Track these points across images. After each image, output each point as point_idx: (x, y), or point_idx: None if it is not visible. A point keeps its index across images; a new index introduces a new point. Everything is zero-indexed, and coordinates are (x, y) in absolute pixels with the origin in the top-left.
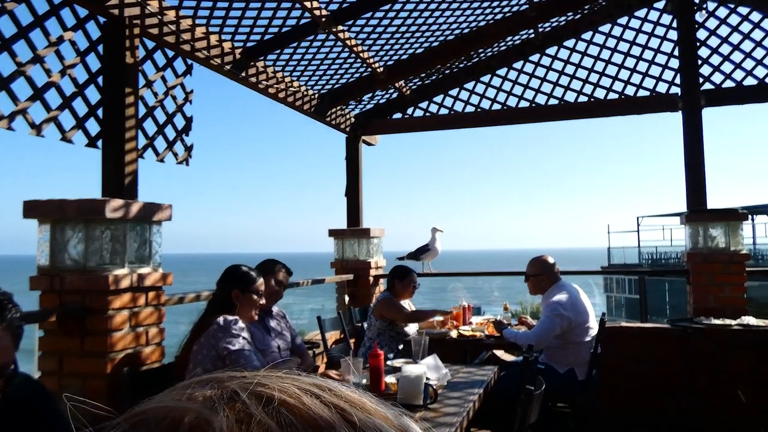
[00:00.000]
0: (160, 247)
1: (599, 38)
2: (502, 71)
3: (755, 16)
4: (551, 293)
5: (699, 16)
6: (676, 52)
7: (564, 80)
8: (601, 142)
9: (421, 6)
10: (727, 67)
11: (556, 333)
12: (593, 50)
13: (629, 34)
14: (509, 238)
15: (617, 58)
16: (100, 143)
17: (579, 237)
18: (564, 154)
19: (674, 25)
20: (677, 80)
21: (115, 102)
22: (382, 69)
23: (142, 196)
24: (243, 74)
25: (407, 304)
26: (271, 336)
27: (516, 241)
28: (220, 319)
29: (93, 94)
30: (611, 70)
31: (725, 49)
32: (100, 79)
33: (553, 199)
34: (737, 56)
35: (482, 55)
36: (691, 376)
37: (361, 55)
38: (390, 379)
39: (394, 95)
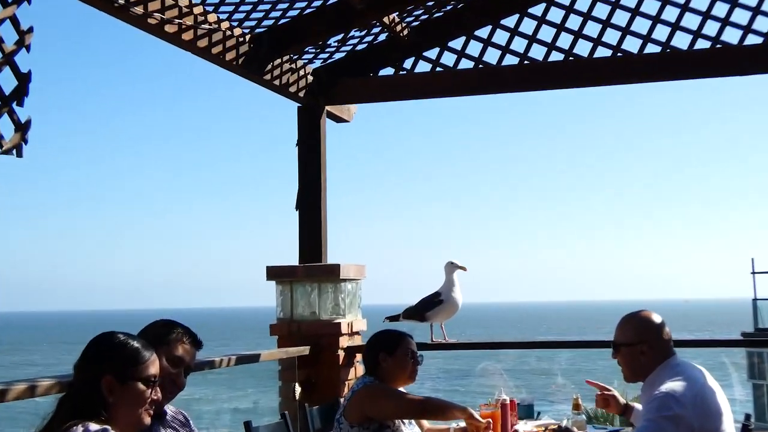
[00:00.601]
0: None
1: None
2: None
3: None
4: (658, 378)
5: None
6: None
7: (692, 21)
8: (735, 125)
9: None
10: None
11: None
12: None
13: None
14: (581, 285)
15: None
16: None
17: (701, 282)
18: (670, 145)
19: None
20: None
21: None
22: None
23: None
24: (122, 1)
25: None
26: None
27: (594, 290)
28: (78, 430)
29: None
30: None
31: None
32: None
33: (655, 220)
34: None
35: None
36: None
37: None
38: None
39: (382, 37)
